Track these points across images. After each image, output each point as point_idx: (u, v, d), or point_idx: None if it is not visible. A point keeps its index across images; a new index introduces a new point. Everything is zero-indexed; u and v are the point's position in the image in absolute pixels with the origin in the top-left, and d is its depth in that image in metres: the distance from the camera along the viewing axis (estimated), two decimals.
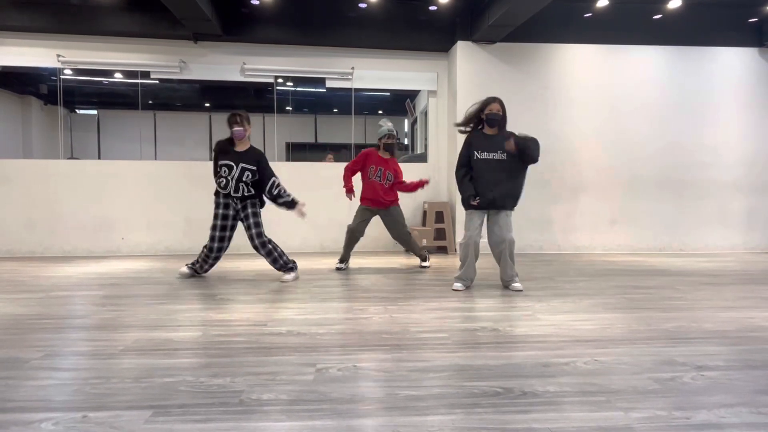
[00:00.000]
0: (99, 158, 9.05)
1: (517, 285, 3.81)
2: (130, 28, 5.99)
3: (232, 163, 4.00)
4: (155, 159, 8.47)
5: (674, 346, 2.44)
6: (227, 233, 4.16)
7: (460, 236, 6.29)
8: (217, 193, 4.17)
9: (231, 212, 4.13)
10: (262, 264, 5.14)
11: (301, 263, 5.18)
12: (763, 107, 6.66)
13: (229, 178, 4.01)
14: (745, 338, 2.59)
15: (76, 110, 9.60)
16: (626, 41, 6.46)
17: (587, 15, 6.26)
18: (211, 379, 1.97)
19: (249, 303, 3.34)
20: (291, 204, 4.17)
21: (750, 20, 6.51)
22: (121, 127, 9.39)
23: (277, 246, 4.25)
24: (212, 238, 4.11)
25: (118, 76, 7.28)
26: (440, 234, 6.33)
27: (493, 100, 3.79)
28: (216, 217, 4.12)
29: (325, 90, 6.83)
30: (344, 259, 4.90)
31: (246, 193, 4.08)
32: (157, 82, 6.64)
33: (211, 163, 4.29)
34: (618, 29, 6.39)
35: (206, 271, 4.36)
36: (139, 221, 5.94)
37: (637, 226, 6.53)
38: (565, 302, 3.41)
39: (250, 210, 4.13)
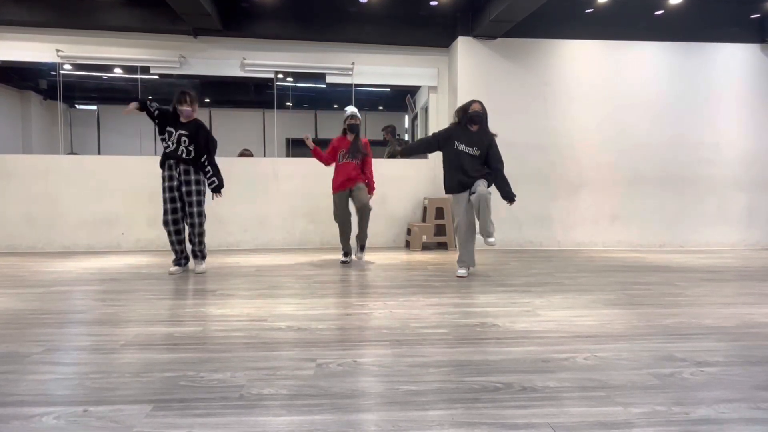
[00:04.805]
0: (99, 153, 9.04)
1: (491, 240, 4.06)
2: (129, 22, 5.98)
3: (172, 129, 4.20)
4: (155, 154, 8.45)
5: (674, 341, 2.44)
6: (177, 203, 4.22)
7: None
8: (162, 165, 4.25)
9: (175, 183, 4.20)
10: (262, 260, 5.15)
11: (302, 259, 5.19)
12: (764, 104, 6.64)
13: (170, 142, 4.18)
14: (744, 334, 2.59)
15: (76, 105, 9.57)
16: (627, 37, 6.44)
17: (589, 11, 6.24)
18: (212, 373, 1.97)
19: (249, 298, 3.35)
20: (216, 186, 4.30)
21: (752, 16, 6.49)
22: (121, 122, 9.36)
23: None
24: (165, 211, 4.20)
25: (118, 72, 7.26)
26: (440, 230, 6.33)
27: (474, 101, 4.24)
28: (164, 190, 4.20)
29: (325, 86, 6.80)
30: (347, 252, 5.02)
31: (186, 156, 4.16)
32: (157, 77, 6.62)
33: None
34: (619, 25, 6.37)
35: (179, 252, 4.32)
36: (139, 217, 5.93)
37: (638, 222, 6.53)
38: (565, 298, 3.42)
39: (193, 177, 4.21)
